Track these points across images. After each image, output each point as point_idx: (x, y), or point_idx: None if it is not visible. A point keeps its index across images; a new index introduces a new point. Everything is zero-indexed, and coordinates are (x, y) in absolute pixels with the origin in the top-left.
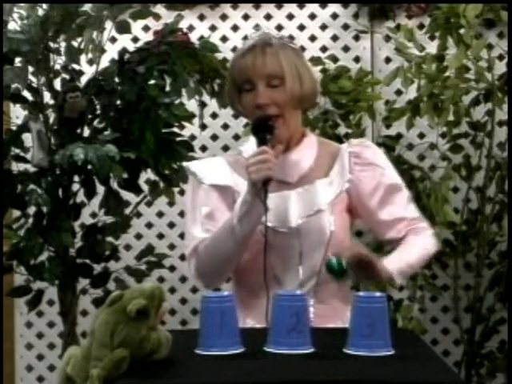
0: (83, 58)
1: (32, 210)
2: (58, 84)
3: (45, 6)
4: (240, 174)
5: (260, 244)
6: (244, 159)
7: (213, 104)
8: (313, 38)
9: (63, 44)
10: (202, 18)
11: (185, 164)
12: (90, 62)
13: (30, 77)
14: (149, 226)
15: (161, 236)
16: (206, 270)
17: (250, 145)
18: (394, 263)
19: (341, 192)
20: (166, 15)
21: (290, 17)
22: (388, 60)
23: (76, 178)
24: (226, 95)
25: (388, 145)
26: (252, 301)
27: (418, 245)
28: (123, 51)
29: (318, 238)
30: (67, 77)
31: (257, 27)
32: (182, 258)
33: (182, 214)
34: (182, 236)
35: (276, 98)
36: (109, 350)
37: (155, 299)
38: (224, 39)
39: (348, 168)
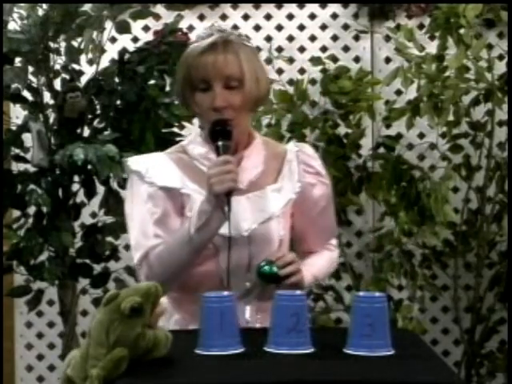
0: (83, 58)
1: (32, 210)
2: (58, 84)
3: (45, 6)
4: (186, 174)
5: (209, 251)
6: (189, 159)
7: None
8: (313, 38)
9: (63, 44)
10: (201, 17)
11: (125, 160)
12: (90, 62)
13: (30, 77)
14: None
15: None
16: (158, 279)
17: (195, 143)
18: (309, 276)
19: (290, 199)
20: (166, 15)
21: (290, 17)
22: (388, 60)
23: (76, 178)
24: (177, 93)
25: (388, 145)
26: (193, 305)
27: (327, 262)
28: (123, 51)
29: (268, 245)
30: (67, 77)
31: (257, 28)
32: None
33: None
34: None
35: (233, 101)
36: (105, 348)
37: (150, 297)
38: None
39: (297, 176)
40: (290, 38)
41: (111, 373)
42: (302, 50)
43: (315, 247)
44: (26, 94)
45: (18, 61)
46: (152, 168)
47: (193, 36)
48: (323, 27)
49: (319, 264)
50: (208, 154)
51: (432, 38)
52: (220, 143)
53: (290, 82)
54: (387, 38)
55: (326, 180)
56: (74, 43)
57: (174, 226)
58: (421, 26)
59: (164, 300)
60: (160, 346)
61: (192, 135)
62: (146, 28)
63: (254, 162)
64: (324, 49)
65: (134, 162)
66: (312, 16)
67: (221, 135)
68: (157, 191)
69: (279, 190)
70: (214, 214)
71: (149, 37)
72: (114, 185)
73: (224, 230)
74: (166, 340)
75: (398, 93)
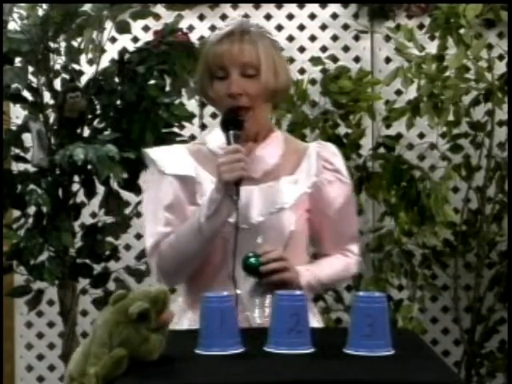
0: (83, 58)
1: (32, 210)
2: (58, 84)
3: (45, 5)
4: (201, 164)
5: (217, 240)
6: (207, 150)
7: None
8: (313, 38)
9: (63, 44)
10: (201, 17)
11: (144, 151)
12: (90, 62)
13: (30, 77)
14: None
15: None
16: (168, 268)
17: (215, 136)
18: (309, 276)
19: (305, 192)
20: (166, 15)
21: (290, 17)
22: (388, 60)
23: (76, 178)
24: (197, 82)
25: (388, 145)
26: None
27: (339, 267)
28: (123, 51)
29: (278, 236)
30: (67, 77)
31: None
32: None
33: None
34: None
35: (249, 89)
36: (107, 349)
37: (158, 303)
38: None
39: (315, 170)
40: (290, 38)
41: (111, 372)
42: (301, 49)
43: (331, 250)
44: (26, 94)
45: (18, 61)
46: (169, 158)
47: (193, 36)
48: (323, 27)
49: (327, 267)
50: (225, 147)
51: (432, 37)
52: (231, 132)
53: None
54: (387, 38)
55: (346, 179)
56: (74, 43)
57: (186, 213)
58: (421, 26)
59: (176, 303)
60: (156, 350)
61: (215, 129)
62: (146, 28)
63: (270, 153)
64: (324, 49)
65: (153, 152)
66: (312, 16)
67: (232, 124)
68: (168, 177)
69: (295, 182)
70: (223, 202)
71: (149, 37)
72: (114, 185)
73: (234, 219)
74: (161, 345)
75: (398, 93)
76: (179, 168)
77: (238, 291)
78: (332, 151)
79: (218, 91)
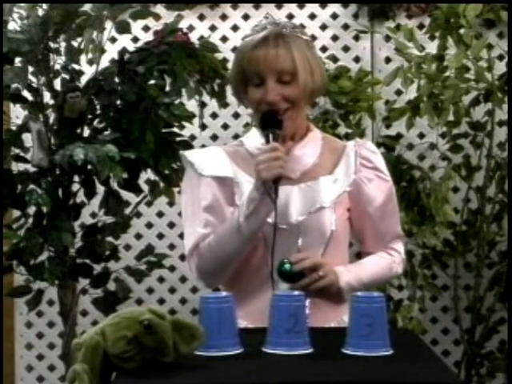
0: (83, 58)
1: (32, 210)
2: (58, 84)
3: (45, 6)
4: (239, 166)
5: (257, 241)
6: (245, 151)
7: (213, 104)
8: (313, 38)
9: (63, 44)
10: (201, 17)
11: (181, 153)
12: (90, 62)
13: (30, 77)
14: (149, 226)
15: (161, 236)
16: (208, 269)
17: (252, 137)
18: (349, 277)
19: (344, 191)
20: (166, 15)
21: (290, 17)
22: (388, 60)
23: (76, 178)
24: (231, 85)
25: (388, 145)
26: (245, 300)
27: (382, 266)
28: (123, 51)
29: (319, 236)
30: (67, 77)
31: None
32: (182, 257)
33: (181, 213)
34: (182, 236)
35: (287, 94)
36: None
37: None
38: (224, 39)
39: (354, 168)
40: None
41: (94, 360)
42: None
43: (373, 249)
44: (26, 94)
45: (18, 61)
46: (206, 160)
47: (193, 36)
48: (323, 27)
49: (369, 267)
50: (263, 146)
51: (432, 37)
52: (269, 131)
53: None
54: (387, 38)
55: (386, 177)
56: (74, 43)
57: (224, 214)
58: (421, 26)
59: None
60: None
61: (252, 130)
62: (146, 28)
63: (308, 152)
64: (324, 49)
65: (190, 154)
66: (312, 16)
67: (271, 124)
68: (206, 179)
69: (334, 181)
70: (262, 201)
71: (149, 37)
72: (114, 185)
73: (273, 219)
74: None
75: (398, 93)
76: (217, 169)
77: (277, 292)
78: (371, 149)
79: (254, 97)
